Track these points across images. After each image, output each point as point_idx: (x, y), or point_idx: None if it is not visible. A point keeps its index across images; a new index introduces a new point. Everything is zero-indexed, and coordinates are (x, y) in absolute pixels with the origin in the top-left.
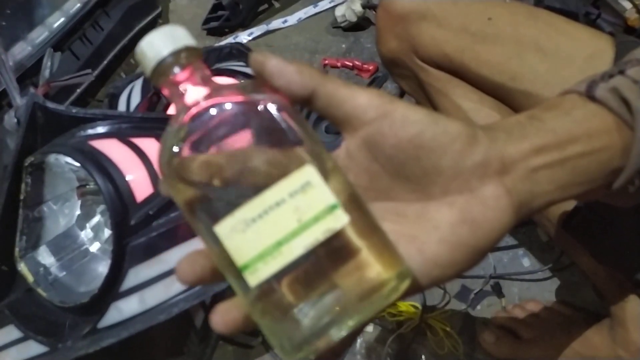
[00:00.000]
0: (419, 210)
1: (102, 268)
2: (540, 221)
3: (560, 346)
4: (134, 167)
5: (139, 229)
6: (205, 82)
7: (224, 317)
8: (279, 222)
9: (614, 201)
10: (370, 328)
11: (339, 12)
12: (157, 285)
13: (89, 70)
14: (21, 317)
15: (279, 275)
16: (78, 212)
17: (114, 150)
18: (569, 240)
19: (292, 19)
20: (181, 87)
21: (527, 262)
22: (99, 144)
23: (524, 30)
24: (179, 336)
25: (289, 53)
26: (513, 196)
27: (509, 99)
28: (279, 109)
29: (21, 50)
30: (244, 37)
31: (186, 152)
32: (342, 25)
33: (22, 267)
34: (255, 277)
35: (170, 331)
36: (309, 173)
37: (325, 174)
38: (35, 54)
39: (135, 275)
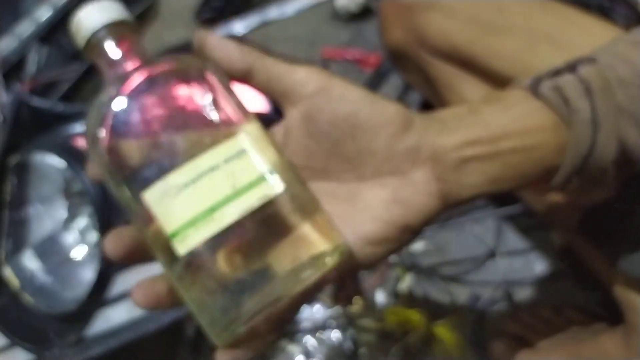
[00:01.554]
0: (353, 190)
1: (90, 273)
2: (552, 224)
3: (572, 353)
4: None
5: None
6: (139, 55)
7: (147, 290)
8: (213, 187)
9: (574, 196)
10: (373, 337)
11: (339, 2)
12: None
13: (77, 65)
14: (7, 323)
15: (211, 244)
16: (65, 214)
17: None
18: (582, 243)
19: (290, 9)
20: (113, 60)
21: (538, 267)
22: (83, 141)
23: (536, 22)
24: (170, 346)
25: (287, 45)
26: (442, 184)
27: None
28: (213, 81)
29: (7, 44)
30: (239, 28)
31: (111, 136)
32: (343, 15)
33: (8, 272)
34: (185, 245)
35: (160, 340)
36: (244, 140)
37: (260, 144)
38: (21, 49)
39: (124, 281)
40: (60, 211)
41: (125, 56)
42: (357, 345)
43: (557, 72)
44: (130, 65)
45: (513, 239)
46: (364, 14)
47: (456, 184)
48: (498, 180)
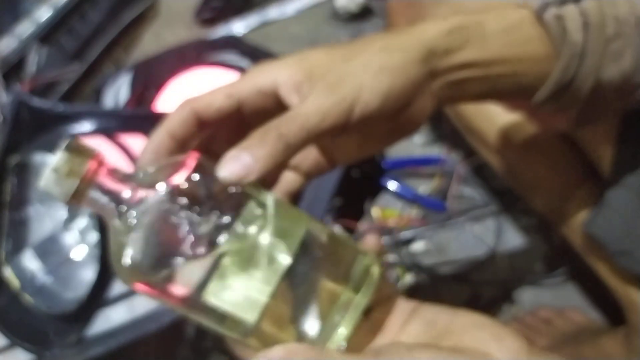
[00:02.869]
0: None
1: (90, 273)
2: (555, 224)
3: (573, 354)
4: (122, 166)
5: None
6: (122, 179)
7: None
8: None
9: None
10: None
11: (339, 2)
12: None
13: (77, 65)
14: (7, 323)
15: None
16: (65, 214)
17: (100, 148)
18: (585, 243)
19: (290, 9)
20: (107, 201)
21: (539, 267)
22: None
23: None
24: (171, 346)
25: (287, 45)
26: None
27: None
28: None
29: (7, 44)
30: (239, 28)
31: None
32: (343, 15)
33: (8, 272)
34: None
35: (161, 341)
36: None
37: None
38: (21, 49)
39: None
40: (60, 211)
41: (112, 190)
42: None
43: (563, 0)
44: (125, 193)
45: (513, 238)
46: (364, 14)
47: (446, 96)
48: (482, 96)
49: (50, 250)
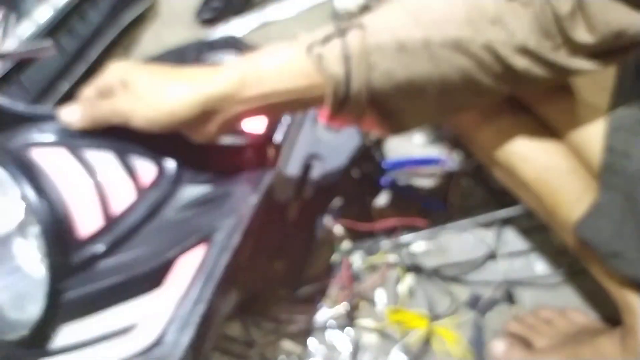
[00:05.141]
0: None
1: (40, 295)
2: (552, 226)
3: (571, 354)
4: (81, 190)
5: (81, 273)
6: None
7: None
8: None
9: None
10: (374, 338)
11: (339, 2)
12: (98, 348)
13: (49, 42)
14: None
15: None
16: (22, 215)
17: (58, 164)
18: (579, 245)
19: (290, 9)
20: None
21: (539, 267)
22: (42, 154)
23: None
24: None
25: None
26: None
27: None
28: None
29: (7, 45)
30: (239, 29)
31: None
32: (343, 15)
33: None
34: None
35: None
36: None
37: None
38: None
39: (70, 333)
40: (16, 210)
41: None
42: (357, 345)
43: (328, 38)
44: None
45: (513, 239)
46: (364, 14)
47: (233, 121)
48: (269, 115)
49: None
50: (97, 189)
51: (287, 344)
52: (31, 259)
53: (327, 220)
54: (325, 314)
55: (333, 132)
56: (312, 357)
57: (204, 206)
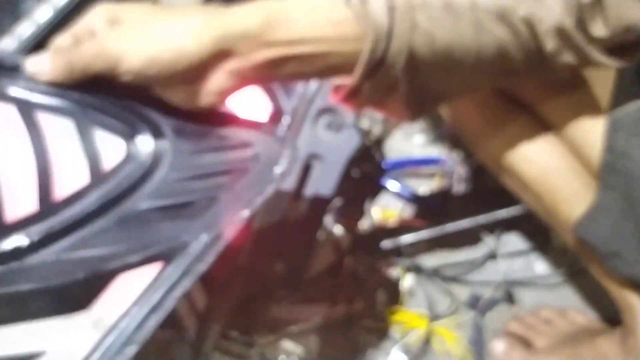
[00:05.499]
0: None
1: None
2: (552, 226)
3: (571, 354)
4: (20, 162)
5: None
6: None
7: None
8: None
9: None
10: (374, 338)
11: None
12: None
13: None
14: None
15: None
16: None
17: (0, 125)
18: (578, 245)
19: None
20: None
21: (539, 267)
22: None
23: None
24: (169, 345)
25: None
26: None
27: None
28: None
29: (7, 45)
30: None
31: None
32: None
33: None
34: None
35: (158, 340)
36: None
37: None
38: (21, 49)
39: None
40: None
41: None
42: (358, 345)
43: None
44: None
45: (513, 239)
46: None
47: (252, 75)
48: (296, 75)
49: None
50: (39, 164)
51: (287, 344)
52: None
53: (327, 220)
54: (325, 314)
55: (333, 132)
56: (312, 357)
57: (175, 210)
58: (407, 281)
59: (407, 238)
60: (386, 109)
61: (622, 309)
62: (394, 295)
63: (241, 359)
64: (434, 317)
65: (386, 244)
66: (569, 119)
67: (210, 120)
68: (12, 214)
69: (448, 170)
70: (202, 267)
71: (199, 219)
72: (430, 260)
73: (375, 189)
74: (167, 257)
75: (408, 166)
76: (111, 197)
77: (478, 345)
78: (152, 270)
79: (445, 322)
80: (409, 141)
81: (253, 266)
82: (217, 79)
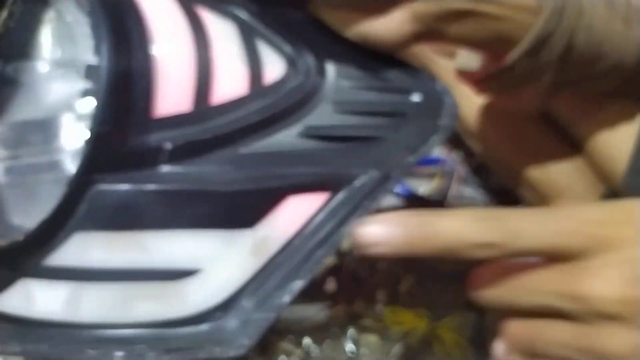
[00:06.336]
0: None
1: (59, 190)
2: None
3: None
4: (178, 57)
5: (129, 168)
6: None
7: None
8: None
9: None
10: (373, 338)
11: None
12: (122, 288)
13: None
14: None
15: None
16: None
17: (161, 16)
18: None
19: None
20: None
21: None
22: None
23: None
24: None
25: None
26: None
27: None
28: None
29: None
30: None
31: None
32: None
33: None
34: None
35: None
36: None
37: None
38: None
39: (79, 247)
40: (72, 85)
41: None
42: (357, 345)
43: None
44: None
45: None
46: None
47: (428, 27)
48: (464, 39)
49: (29, 141)
50: (199, 63)
51: (287, 344)
52: (71, 142)
53: None
54: (325, 314)
55: None
56: (312, 357)
57: (339, 142)
58: (407, 281)
59: None
60: (517, 98)
61: None
62: (394, 295)
63: (241, 359)
64: (434, 317)
65: None
66: (601, 132)
67: (374, 59)
68: (162, 110)
69: (448, 170)
70: (372, 204)
71: (366, 154)
72: (430, 259)
73: None
74: (334, 187)
75: None
76: (269, 113)
77: (478, 346)
78: (318, 198)
79: (445, 322)
80: None
81: None
82: (398, 17)
